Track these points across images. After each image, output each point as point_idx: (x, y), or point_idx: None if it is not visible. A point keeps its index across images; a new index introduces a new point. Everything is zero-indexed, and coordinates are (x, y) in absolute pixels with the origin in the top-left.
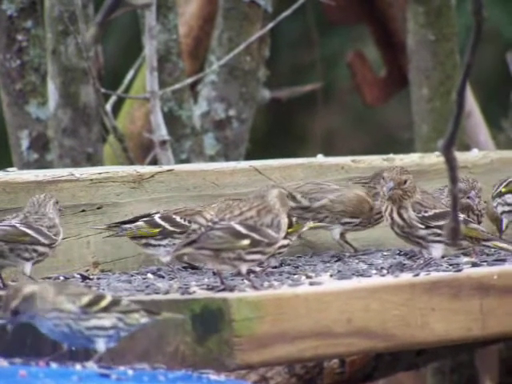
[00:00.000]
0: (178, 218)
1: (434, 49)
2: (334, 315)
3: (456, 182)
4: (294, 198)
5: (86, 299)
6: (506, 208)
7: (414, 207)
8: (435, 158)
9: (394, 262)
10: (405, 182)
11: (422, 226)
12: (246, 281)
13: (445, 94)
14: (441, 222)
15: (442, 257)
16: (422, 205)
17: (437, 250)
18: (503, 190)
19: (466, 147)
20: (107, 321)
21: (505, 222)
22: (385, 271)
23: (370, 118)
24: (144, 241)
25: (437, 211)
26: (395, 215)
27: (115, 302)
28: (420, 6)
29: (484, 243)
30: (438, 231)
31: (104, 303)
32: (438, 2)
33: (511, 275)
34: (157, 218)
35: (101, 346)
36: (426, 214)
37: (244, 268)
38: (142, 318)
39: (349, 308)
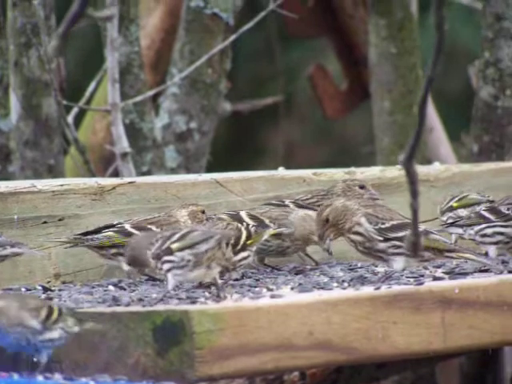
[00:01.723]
0: (154, 228)
1: (395, 62)
2: (295, 328)
3: (417, 196)
4: (262, 223)
5: (43, 313)
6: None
7: (370, 220)
8: (396, 171)
9: (355, 275)
10: (327, 220)
11: (381, 238)
12: (213, 290)
13: (406, 107)
14: (399, 234)
15: (403, 269)
16: (377, 217)
17: (398, 263)
18: (455, 204)
19: (428, 161)
20: (56, 332)
21: (454, 236)
22: (346, 284)
23: (331, 131)
24: (114, 250)
25: (394, 222)
26: (351, 236)
27: (60, 313)
28: (381, 18)
29: (447, 254)
30: (398, 243)
31: (55, 315)
32: (399, 15)
33: (472, 289)
34: (128, 227)
35: (44, 356)
36: (383, 226)
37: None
38: (75, 327)
39: (310, 321)
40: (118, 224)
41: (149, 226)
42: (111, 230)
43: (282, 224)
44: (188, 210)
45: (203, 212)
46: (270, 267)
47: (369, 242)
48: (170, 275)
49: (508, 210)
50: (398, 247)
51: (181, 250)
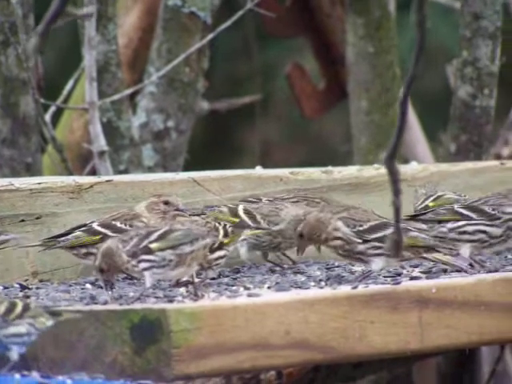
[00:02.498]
0: (118, 224)
1: (373, 61)
2: (272, 327)
3: (399, 195)
4: (253, 218)
5: (2, 307)
6: None
7: (348, 223)
8: (374, 171)
9: (332, 274)
10: (301, 235)
11: (360, 240)
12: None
13: (384, 106)
14: (378, 234)
15: (382, 269)
16: (354, 219)
17: (377, 264)
18: (430, 204)
19: (405, 160)
20: (22, 327)
21: None
22: (323, 283)
23: (308, 130)
24: (84, 250)
25: (372, 223)
26: (330, 243)
27: (26, 308)
28: (359, 17)
29: (425, 255)
30: (377, 244)
31: (18, 310)
32: (377, 14)
33: (449, 288)
34: (95, 225)
35: (14, 353)
36: (362, 228)
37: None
38: (48, 321)
39: (287, 320)
40: (90, 223)
41: (113, 223)
42: (80, 230)
43: (272, 221)
44: (147, 202)
45: (166, 203)
46: (273, 263)
47: (348, 244)
48: (147, 273)
49: (493, 210)
50: (378, 248)
51: (162, 249)
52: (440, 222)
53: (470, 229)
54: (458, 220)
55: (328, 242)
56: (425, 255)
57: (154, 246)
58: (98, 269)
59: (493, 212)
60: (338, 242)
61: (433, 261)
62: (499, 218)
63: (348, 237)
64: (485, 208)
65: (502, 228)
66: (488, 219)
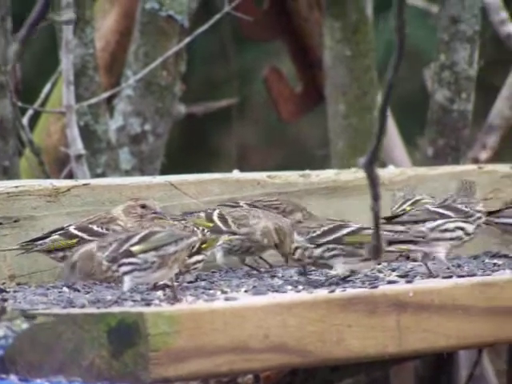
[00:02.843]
0: (94, 227)
1: (350, 65)
2: (251, 330)
3: (378, 199)
4: (225, 222)
5: None
6: None
7: (301, 231)
8: (351, 175)
9: (310, 277)
10: (276, 245)
11: (313, 246)
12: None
13: (361, 110)
14: (331, 237)
15: (347, 272)
16: (308, 227)
17: (340, 267)
18: (408, 208)
19: (382, 164)
20: (0, 331)
21: None
22: (300, 287)
23: (286, 134)
24: (61, 254)
25: (325, 228)
26: (294, 256)
27: (3, 311)
28: (336, 21)
29: (388, 248)
30: (331, 246)
31: None
32: (354, 18)
33: (427, 292)
34: (72, 229)
35: None
36: (314, 234)
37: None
38: (23, 324)
39: (265, 324)
40: (67, 226)
41: (90, 226)
42: (57, 233)
43: (242, 224)
44: (124, 206)
45: (143, 206)
46: (250, 267)
47: (306, 251)
48: (127, 277)
49: (466, 207)
50: (332, 249)
51: (144, 252)
52: (416, 222)
53: (451, 226)
54: (437, 219)
55: (292, 255)
56: (388, 248)
57: (135, 248)
58: (70, 265)
59: (467, 209)
60: (298, 251)
61: (397, 251)
62: (472, 216)
63: (303, 245)
64: (458, 206)
65: (474, 225)
66: (464, 216)
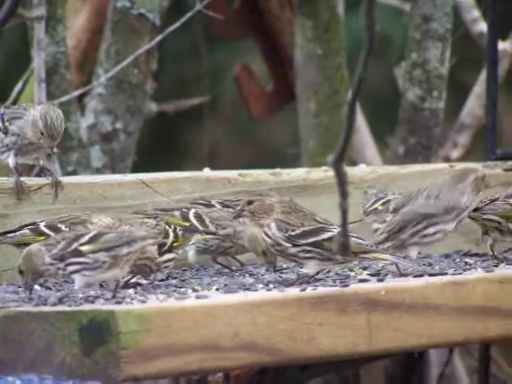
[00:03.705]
0: (63, 227)
1: (321, 63)
2: (221, 329)
3: (346, 197)
4: (203, 222)
5: None
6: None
7: (280, 226)
8: (322, 173)
9: (281, 276)
10: (249, 202)
11: (289, 245)
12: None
13: (332, 108)
14: (309, 240)
15: (317, 273)
16: (288, 223)
17: (310, 267)
18: (380, 207)
19: (353, 163)
20: None
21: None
22: (271, 285)
23: (256, 132)
24: None
25: (305, 229)
26: (263, 235)
27: None
28: (307, 20)
29: (363, 256)
30: (308, 248)
31: None
32: (325, 17)
33: (398, 291)
34: (42, 226)
35: None
36: (293, 233)
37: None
38: None
39: (235, 322)
40: (40, 222)
41: (59, 225)
42: (28, 227)
43: (221, 225)
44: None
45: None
46: (222, 265)
47: (278, 246)
48: (77, 276)
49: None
50: (309, 252)
51: (95, 252)
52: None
53: (431, 231)
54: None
55: (263, 230)
56: (363, 255)
57: (85, 248)
58: (18, 271)
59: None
60: (268, 241)
61: (372, 259)
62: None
63: (277, 240)
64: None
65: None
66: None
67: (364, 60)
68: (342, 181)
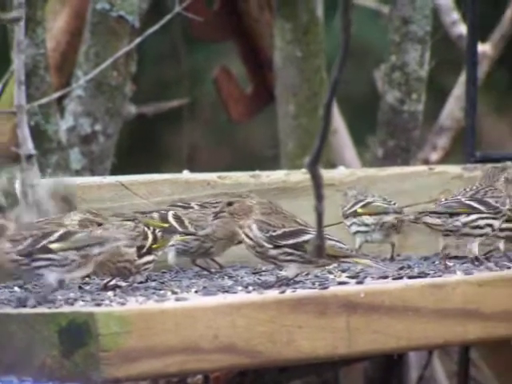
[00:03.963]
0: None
1: (300, 65)
2: (201, 331)
3: (321, 200)
4: (182, 223)
5: None
6: (363, 228)
7: (261, 227)
8: (301, 175)
9: (260, 278)
10: (229, 204)
11: (271, 246)
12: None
13: (311, 110)
14: (290, 241)
15: (296, 276)
16: (269, 224)
17: (290, 270)
18: (359, 210)
19: (333, 165)
20: None
21: (359, 241)
22: (250, 288)
23: (235, 135)
24: None
25: (286, 230)
26: (243, 236)
27: None
28: (287, 22)
29: (343, 260)
30: (289, 250)
31: None
32: (305, 19)
33: (378, 293)
34: None
35: None
36: (274, 234)
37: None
38: None
39: (215, 324)
40: None
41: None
42: None
43: (200, 226)
44: (80, 217)
45: (99, 225)
46: (201, 267)
47: (259, 247)
48: (44, 271)
49: (497, 202)
50: (290, 254)
51: (64, 250)
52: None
53: (481, 223)
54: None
55: (242, 230)
56: (343, 259)
57: (55, 246)
58: None
59: (497, 205)
60: (249, 242)
61: (352, 263)
62: (501, 211)
63: (258, 240)
64: (490, 200)
65: (501, 220)
66: (494, 212)
67: (340, 62)
68: (317, 183)
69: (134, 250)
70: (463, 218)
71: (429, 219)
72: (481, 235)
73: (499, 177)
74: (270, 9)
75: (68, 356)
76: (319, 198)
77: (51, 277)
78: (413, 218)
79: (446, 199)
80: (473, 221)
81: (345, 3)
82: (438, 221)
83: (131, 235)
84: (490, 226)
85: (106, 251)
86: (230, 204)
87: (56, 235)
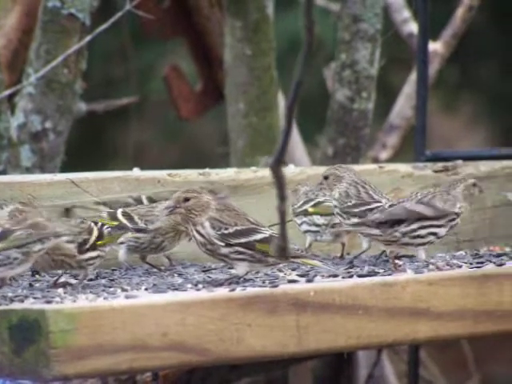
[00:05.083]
0: None
1: (250, 64)
2: (150, 329)
3: (284, 199)
4: (131, 219)
5: None
6: (313, 228)
7: (213, 224)
8: (251, 173)
9: (209, 276)
10: (186, 199)
11: (223, 244)
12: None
13: (261, 109)
14: (242, 240)
15: (246, 274)
16: (221, 222)
17: (240, 268)
18: (310, 209)
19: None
20: None
21: (309, 240)
22: (200, 286)
23: (185, 132)
24: None
25: (238, 228)
26: (194, 233)
27: None
28: (237, 20)
29: (293, 260)
30: (240, 249)
31: None
32: (255, 17)
33: (328, 292)
34: None
35: None
36: (226, 232)
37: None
38: None
39: (164, 322)
40: None
41: None
42: None
43: (149, 220)
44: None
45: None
46: (151, 265)
47: (211, 245)
48: None
49: (444, 205)
50: (241, 253)
51: (5, 249)
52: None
53: (422, 232)
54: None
55: (194, 228)
56: (292, 259)
57: None
58: None
59: (444, 207)
60: (201, 239)
61: (301, 264)
62: (447, 215)
63: (210, 238)
64: (437, 204)
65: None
66: (440, 217)
67: (302, 61)
68: (280, 183)
69: (74, 245)
70: (402, 228)
71: (367, 230)
72: (423, 244)
73: (457, 186)
74: (220, 6)
75: (18, 353)
76: (282, 198)
77: None
78: (351, 229)
79: (390, 205)
80: (413, 230)
81: (307, 3)
82: (376, 231)
83: (74, 231)
84: (434, 234)
85: (47, 248)
86: (186, 200)
87: None
